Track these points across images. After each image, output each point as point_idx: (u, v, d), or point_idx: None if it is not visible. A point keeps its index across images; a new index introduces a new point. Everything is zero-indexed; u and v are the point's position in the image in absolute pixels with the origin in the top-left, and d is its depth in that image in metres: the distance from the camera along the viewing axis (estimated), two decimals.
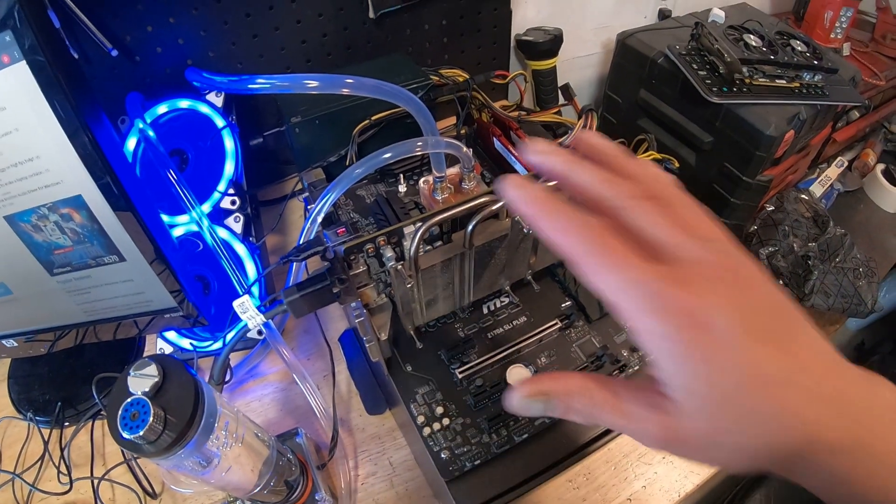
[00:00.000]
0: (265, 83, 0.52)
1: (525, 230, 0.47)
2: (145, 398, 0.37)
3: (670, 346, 0.24)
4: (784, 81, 0.77)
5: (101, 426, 0.71)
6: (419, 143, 0.55)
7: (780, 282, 0.80)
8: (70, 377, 0.75)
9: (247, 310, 0.45)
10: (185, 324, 0.62)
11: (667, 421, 0.26)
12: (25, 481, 0.68)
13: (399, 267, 0.44)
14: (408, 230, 0.44)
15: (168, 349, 0.67)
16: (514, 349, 0.54)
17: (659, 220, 0.26)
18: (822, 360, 0.25)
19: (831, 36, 0.96)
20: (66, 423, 0.72)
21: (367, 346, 0.47)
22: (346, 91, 0.52)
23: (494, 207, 0.46)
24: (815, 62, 0.80)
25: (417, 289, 0.47)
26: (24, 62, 0.44)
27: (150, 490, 0.64)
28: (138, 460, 0.65)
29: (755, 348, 0.24)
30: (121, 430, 0.36)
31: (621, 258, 0.25)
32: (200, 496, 0.63)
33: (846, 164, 0.94)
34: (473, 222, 0.45)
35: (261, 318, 0.45)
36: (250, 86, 0.53)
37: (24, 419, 0.74)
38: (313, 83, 0.51)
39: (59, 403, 0.71)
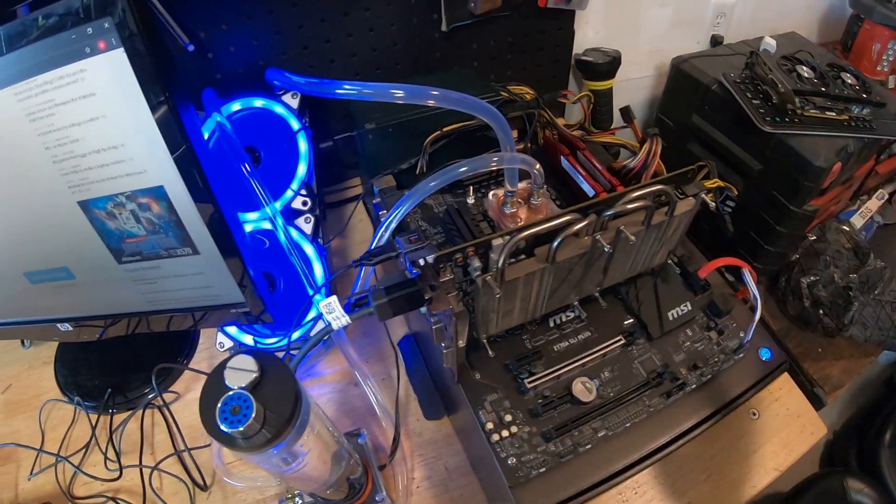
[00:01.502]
0: (352, 89, 0.54)
1: (606, 248, 0.48)
2: (248, 393, 0.37)
3: None
4: (834, 114, 0.78)
5: (152, 415, 0.72)
6: (495, 159, 0.56)
7: (821, 312, 0.82)
8: (121, 365, 0.76)
9: (333, 310, 0.46)
10: (245, 319, 0.62)
11: None
12: (72, 464, 0.69)
13: (488, 278, 0.45)
14: (496, 243, 0.46)
15: (228, 343, 0.68)
16: (578, 362, 0.55)
17: None
18: None
19: (878, 68, 0.98)
20: (113, 410, 0.73)
21: (444, 352, 0.48)
22: (431, 102, 0.53)
23: (579, 226, 0.47)
24: (864, 95, 0.81)
25: (500, 300, 0.48)
26: (121, 49, 0.44)
27: (200, 482, 0.65)
28: (192, 452, 0.66)
29: None
30: (220, 423, 0.36)
31: None
32: (252, 491, 0.63)
33: (887, 196, 0.95)
34: (559, 238, 0.46)
35: (346, 320, 0.46)
36: (337, 91, 0.54)
37: (71, 403, 0.75)
38: (399, 93, 0.53)
39: (110, 390, 0.72)
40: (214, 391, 0.38)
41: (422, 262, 0.46)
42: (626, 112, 0.68)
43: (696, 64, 0.83)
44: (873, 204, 0.93)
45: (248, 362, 0.39)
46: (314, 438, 0.44)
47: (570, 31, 0.86)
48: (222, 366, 0.39)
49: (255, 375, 0.38)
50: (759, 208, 0.80)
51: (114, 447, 0.69)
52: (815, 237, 0.85)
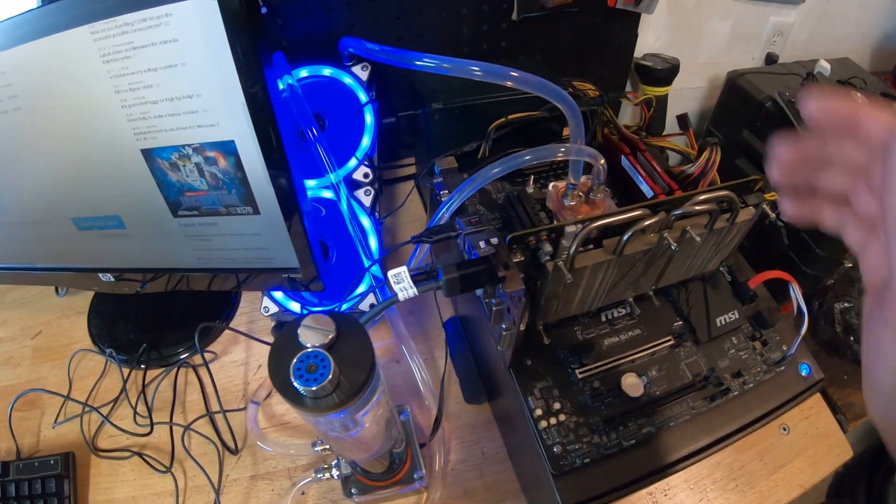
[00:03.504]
0: (431, 62, 0.54)
1: (672, 246, 0.49)
2: (326, 353, 0.36)
3: None
4: None
5: (185, 374, 0.72)
6: (562, 150, 0.56)
7: (851, 339, 0.82)
8: (157, 322, 0.75)
9: (402, 280, 0.46)
10: (296, 286, 0.62)
11: None
12: (101, 413, 0.68)
13: (560, 263, 0.45)
14: (570, 229, 0.46)
15: (273, 308, 0.68)
16: (628, 358, 0.55)
17: None
18: None
19: None
20: (146, 367, 0.72)
21: (503, 333, 0.49)
22: (509, 83, 0.53)
23: (649, 221, 0.47)
24: None
25: (566, 287, 0.48)
26: (214, 0, 0.43)
27: (231, 446, 0.64)
28: (226, 414, 0.66)
29: None
30: (293, 380, 0.35)
31: None
32: (283, 459, 0.63)
33: None
34: (630, 232, 0.47)
35: (413, 291, 0.46)
36: (416, 62, 0.54)
37: (102, 354, 0.74)
38: (478, 70, 0.53)
39: (145, 345, 0.71)
40: (287, 347, 0.37)
41: (494, 241, 0.47)
42: (682, 119, 0.68)
43: (752, 79, 0.84)
44: None
45: (325, 321, 0.38)
46: (376, 407, 0.44)
47: (634, 34, 0.87)
48: (295, 322, 0.38)
49: (332, 335, 0.37)
50: (801, 230, 0.81)
51: (145, 402, 0.69)
52: (851, 265, 0.86)
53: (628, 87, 0.96)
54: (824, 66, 0.87)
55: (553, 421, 0.51)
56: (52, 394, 0.71)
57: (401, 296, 0.47)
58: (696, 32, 0.94)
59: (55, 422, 0.70)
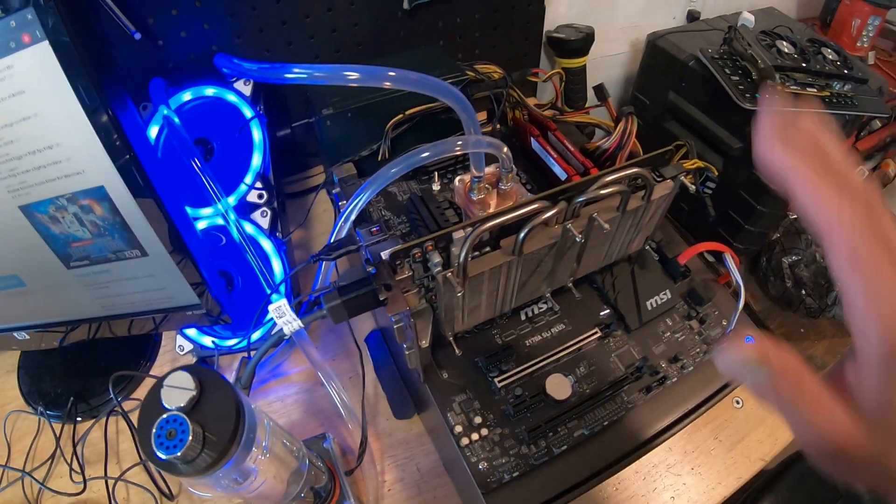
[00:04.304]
0: (302, 73, 0.50)
1: (577, 238, 0.46)
2: (182, 415, 0.34)
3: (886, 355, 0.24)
4: (815, 90, 0.76)
5: (116, 423, 0.69)
6: (459, 143, 0.53)
7: (803, 292, 0.80)
8: (83, 371, 0.73)
9: (283, 314, 0.43)
10: (206, 321, 0.60)
11: (852, 431, 0.25)
12: (36, 480, 0.67)
13: (449, 275, 0.42)
14: (457, 235, 0.43)
15: (188, 346, 0.65)
16: (552, 358, 0.52)
17: None
18: None
19: (857, 44, 0.96)
20: (79, 419, 0.70)
21: (406, 353, 0.46)
22: (388, 84, 0.49)
23: (548, 215, 0.44)
24: (846, 71, 0.79)
25: (464, 296, 0.45)
26: (46, 42, 0.41)
27: (166, 491, 0.62)
28: None
29: None
30: (156, 450, 0.33)
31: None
32: (220, 500, 0.61)
33: (867, 172, 0.94)
34: (526, 229, 0.44)
35: (298, 324, 0.43)
36: (286, 75, 0.50)
37: (35, 413, 0.72)
38: (354, 75, 0.49)
39: (72, 398, 0.69)
40: (151, 412, 0.35)
41: (378, 257, 0.43)
42: (599, 90, 0.65)
43: (673, 40, 0.81)
44: None
45: (185, 379, 0.36)
46: (266, 455, 0.41)
47: (541, 7, 0.83)
48: (160, 384, 0.36)
49: (192, 394, 0.35)
50: (739, 187, 0.78)
51: (77, 459, 0.67)
52: (795, 216, 0.84)
53: (544, 63, 0.92)
54: (748, 18, 0.84)
55: (475, 436, 0.48)
56: None
57: (286, 329, 0.44)
58: None
59: None
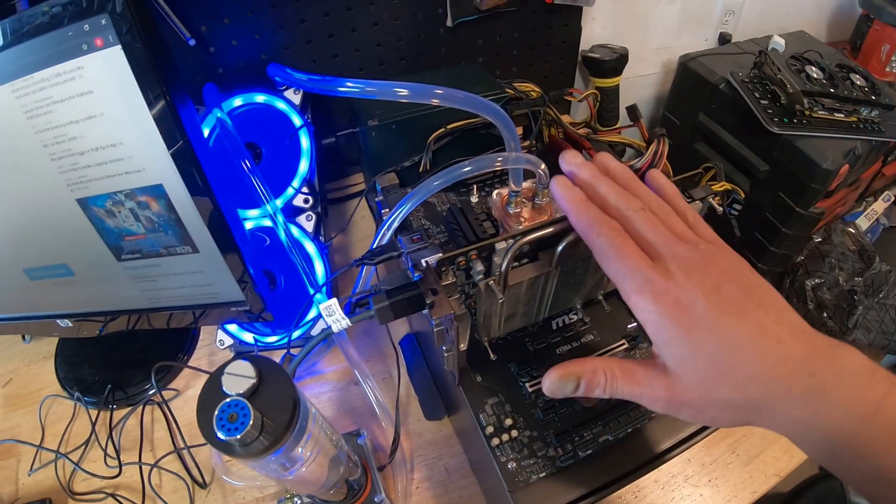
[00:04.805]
0: (354, 87, 0.52)
1: None
2: (245, 401, 0.36)
3: (660, 322, 0.32)
4: (842, 115, 0.78)
5: (151, 412, 0.71)
6: (499, 159, 0.55)
7: (825, 314, 0.81)
8: (121, 361, 0.75)
9: (333, 312, 0.45)
10: (245, 317, 0.62)
11: (669, 385, 0.33)
12: (71, 461, 0.69)
13: (491, 283, 0.44)
14: (500, 246, 0.45)
15: (228, 341, 0.67)
16: None
17: (656, 227, 0.35)
18: (788, 327, 0.32)
19: (887, 69, 0.97)
20: (114, 406, 0.72)
21: (445, 355, 0.48)
22: (435, 102, 0.52)
23: None
24: (873, 97, 0.80)
25: (503, 304, 0.47)
26: (118, 47, 0.44)
27: (200, 480, 0.64)
28: (191, 450, 0.66)
29: (724, 319, 0.31)
30: (217, 431, 0.36)
31: (628, 252, 0.34)
32: (251, 490, 0.63)
33: (893, 198, 0.95)
34: (564, 242, 0.46)
35: (346, 322, 0.45)
36: (339, 88, 0.53)
37: (71, 398, 0.74)
38: (404, 91, 0.52)
39: (110, 386, 0.72)
40: (212, 397, 0.38)
41: (424, 263, 0.46)
42: (632, 111, 0.67)
43: (704, 62, 0.82)
44: (879, 206, 0.93)
45: (246, 368, 0.38)
46: (312, 444, 0.43)
47: (578, 28, 0.85)
48: (220, 371, 0.39)
49: (253, 381, 0.38)
50: (765, 209, 0.79)
51: (113, 444, 0.69)
52: (820, 239, 0.85)
53: (578, 82, 0.95)
54: (778, 42, 0.85)
55: (506, 437, 0.50)
56: (25, 444, 0.71)
57: (334, 328, 0.46)
58: (643, 19, 0.92)
59: (31, 469, 0.70)
